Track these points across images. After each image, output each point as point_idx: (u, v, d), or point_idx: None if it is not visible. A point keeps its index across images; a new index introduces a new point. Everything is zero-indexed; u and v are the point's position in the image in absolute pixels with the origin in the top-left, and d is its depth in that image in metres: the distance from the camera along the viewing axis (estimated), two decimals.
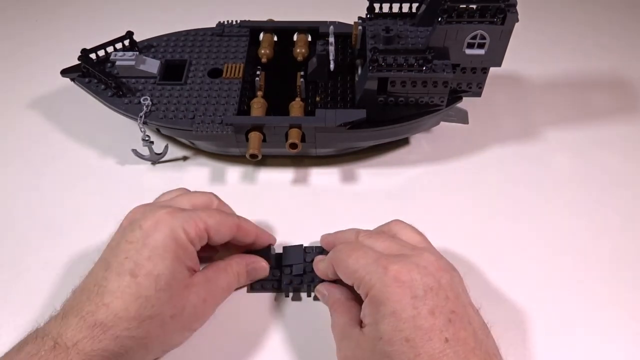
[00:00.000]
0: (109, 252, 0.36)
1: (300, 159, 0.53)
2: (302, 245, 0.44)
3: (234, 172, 0.53)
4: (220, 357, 0.40)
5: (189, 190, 0.43)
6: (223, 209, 0.42)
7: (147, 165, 0.53)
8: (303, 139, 0.48)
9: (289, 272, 0.43)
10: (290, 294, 0.43)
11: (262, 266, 0.42)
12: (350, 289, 0.37)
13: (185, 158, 0.54)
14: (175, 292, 0.35)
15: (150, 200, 0.50)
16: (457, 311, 0.33)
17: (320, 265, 0.41)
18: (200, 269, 0.39)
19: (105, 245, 0.38)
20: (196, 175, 0.52)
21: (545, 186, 0.51)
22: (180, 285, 0.35)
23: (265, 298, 0.43)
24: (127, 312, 0.33)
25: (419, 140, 0.55)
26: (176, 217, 0.36)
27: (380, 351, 0.32)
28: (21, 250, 0.47)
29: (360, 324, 0.35)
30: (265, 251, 0.43)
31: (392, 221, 0.41)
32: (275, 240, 0.44)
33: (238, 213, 0.49)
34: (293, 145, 0.47)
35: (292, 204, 0.50)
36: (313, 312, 0.42)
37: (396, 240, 0.37)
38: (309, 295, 0.43)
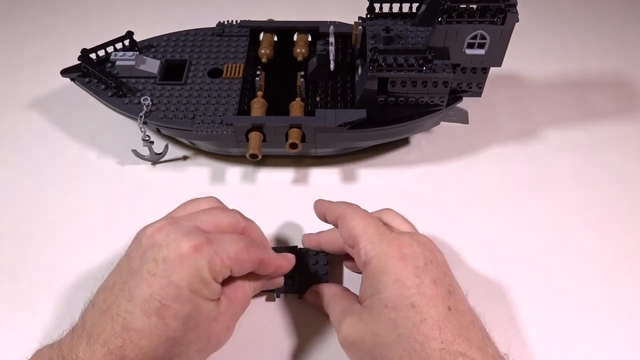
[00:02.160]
0: (128, 275, 0.33)
1: (300, 159, 0.53)
2: (296, 246, 0.44)
3: (234, 172, 0.53)
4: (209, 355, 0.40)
5: (219, 202, 0.40)
6: (250, 231, 0.40)
7: (147, 165, 0.53)
8: (303, 139, 0.48)
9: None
10: (282, 296, 0.43)
11: (279, 282, 0.41)
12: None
13: (185, 158, 0.54)
14: (203, 329, 0.34)
15: (149, 202, 0.50)
16: (453, 286, 0.34)
17: (323, 205, 0.41)
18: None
19: (120, 255, 0.36)
20: (196, 175, 0.52)
21: (545, 186, 0.51)
22: (207, 321, 0.34)
23: (256, 299, 0.43)
24: (155, 352, 0.32)
25: (419, 140, 0.55)
26: (202, 255, 0.33)
27: (386, 319, 0.32)
28: (21, 250, 0.47)
29: (358, 302, 0.36)
30: (291, 252, 0.43)
31: (383, 209, 0.41)
32: (293, 263, 0.41)
33: None
34: (293, 145, 0.47)
35: (292, 204, 0.50)
36: (303, 314, 0.42)
37: (388, 227, 0.38)
38: (299, 298, 0.43)
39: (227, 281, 0.37)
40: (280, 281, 0.41)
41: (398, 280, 0.33)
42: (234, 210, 0.39)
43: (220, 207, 0.40)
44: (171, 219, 0.36)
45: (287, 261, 0.40)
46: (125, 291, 0.33)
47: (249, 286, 0.38)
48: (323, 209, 0.42)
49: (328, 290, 0.39)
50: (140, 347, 0.31)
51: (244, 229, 0.39)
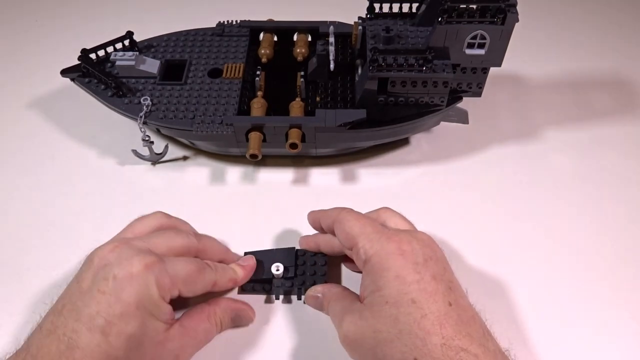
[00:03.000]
0: (78, 296, 0.34)
1: (300, 159, 0.53)
2: (294, 248, 0.44)
3: (234, 172, 0.53)
4: (208, 357, 0.40)
5: (166, 216, 0.41)
6: (206, 249, 0.40)
7: (147, 165, 0.53)
8: (303, 139, 0.48)
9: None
10: (281, 297, 0.43)
11: (248, 315, 0.41)
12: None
13: (185, 158, 0.54)
14: (148, 350, 0.33)
15: (149, 202, 0.50)
16: (454, 282, 0.35)
17: (316, 214, 0.41)
18: (178, 315, 0.37)
19: (72, 278, 0.36)
20: (196, 175, 0.52)
21: (545, 186, 0.51)
22: (152, 343, 0.34)
23: (255, 300, 0.43)
24: None
25: (419, 140, 0.55)
26: (151, 272, 0.34)
27: (387, 315, 0.32)
28: (21, 251, 0.47)
29: (359, 301, 0.36)
30: (289, 253, 0.43)
31: (380, 208, 0.41)
32: (251, 270, 0.42)
33: (238, 213, 0.49)
34: (293, 145, 0.47)
35: (292, 204, 0.50)
36: (302, 315, 0.42)
37: (385, 226, 0.38)
38: (299, 299, 0.42)
39: (188, 312, 0.38)
40: (251, 318, 0.41)
41: (398, 276, 0.33)
42: (186, 231, 0.40)
43: (172, 228, 0.40)
44: (123, 240, 0.37)
45: (245, 270, 0.41)
46: (74, 311, 0.33)
47: (214, 318, 0.38)
48: (317, 217, 0.42)
49: (328, 291, 0.39)
50: None
51: (199, 249, 0.39)
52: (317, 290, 0.40)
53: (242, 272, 0.41)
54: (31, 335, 0.34)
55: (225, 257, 0.42)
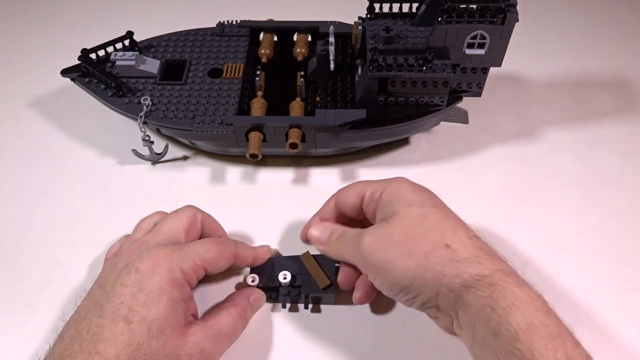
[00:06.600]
0: (102, 295, 0.34)
1: (300, 159, 0.53)
2: (300, 255, 0.43)
3: (234, 172, 0.53)
4: None
5: (166, 213, 0.42)
6: (208, 222, 0.42)
7: (147, 165, 0.53)
8: (303, 139, 0.48)
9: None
10: (288, 305, 0.42)
11: (262, 295, 0.41)
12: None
13: (185, 158, 0.54)
14: (169, 339, 0.33)
15: (149, 202, 0.50)
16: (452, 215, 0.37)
17: (323, 213, 0.43)
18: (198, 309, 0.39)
19: (94, 282, 0.37)
20: (196, 175, 0.52)
21: (545, 186, 0.51)
22: (174, 332, 0.34)
23: (261, 308, 0.42)
24: (117, 359, 0.31)
25: (419, 140, 0.55)
26: (174, 258, 0.35)
27: (415, 214, 0.35)
28: (21, 251, 0.47)
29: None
30: (297, 261, 0.42)
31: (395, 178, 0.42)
32: (270, 252, 0.44)
33: (238, 213, 0.49)
34: (293, 145, 0.47)
35: (292, 204, 0.50)
36: (310, 323, 0.42)
37: None
38: (306, 307, 0.42)
39: (209, 310, 0.39)
40: (264, 297, 0.41)
41: (412, 204, 0.36)
42: (186, 206, 0.41)
43: (172, 213, 0.41)
44: (139, 240, 0.38)
45: (265, 252, 0.43)
46: (98, 310, 0.33)
47: (235, 310, 0.38)
48: (320, 216, 0.43)
49: (329, 227, 0.40)
50: (105, 356, 0.31)
51: (202, 218, 0.41)
52: (318, 229, 0.41)
53: (259, 250, 0.43)
54: (53, 346, 0.34)
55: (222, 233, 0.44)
